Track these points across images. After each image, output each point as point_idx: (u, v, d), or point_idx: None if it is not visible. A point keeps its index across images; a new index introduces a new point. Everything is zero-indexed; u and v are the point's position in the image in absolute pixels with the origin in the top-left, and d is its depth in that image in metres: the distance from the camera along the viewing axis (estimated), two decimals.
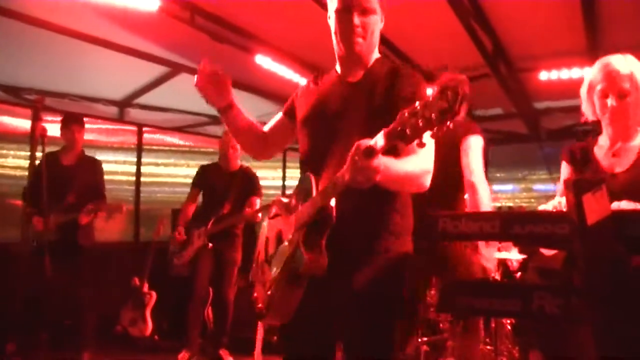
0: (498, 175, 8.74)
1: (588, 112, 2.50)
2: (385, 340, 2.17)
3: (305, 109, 2.33)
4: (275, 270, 2.23)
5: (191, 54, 5.76)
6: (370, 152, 1.67)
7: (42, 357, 4.02)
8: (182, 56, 5.80)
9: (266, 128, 2.53)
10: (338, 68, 2.34)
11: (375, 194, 1.96)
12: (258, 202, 5.33)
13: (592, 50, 5.21)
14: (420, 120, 1.49)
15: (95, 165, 5.13)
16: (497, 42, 5.30)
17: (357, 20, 2.14)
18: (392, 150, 1.80)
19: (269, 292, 2.24)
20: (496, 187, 8.01)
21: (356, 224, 2.10)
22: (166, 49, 5.58)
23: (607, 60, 2.39)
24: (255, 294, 2.37)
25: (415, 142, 1.54)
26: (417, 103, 1.51)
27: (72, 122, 4.97)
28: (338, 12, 2.18)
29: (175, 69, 6.00)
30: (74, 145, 4.97)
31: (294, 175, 9.83)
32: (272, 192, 9.16)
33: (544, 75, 5.79)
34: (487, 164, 3.79)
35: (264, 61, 5.42)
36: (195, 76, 2.31)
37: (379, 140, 1.66)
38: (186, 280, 5.35)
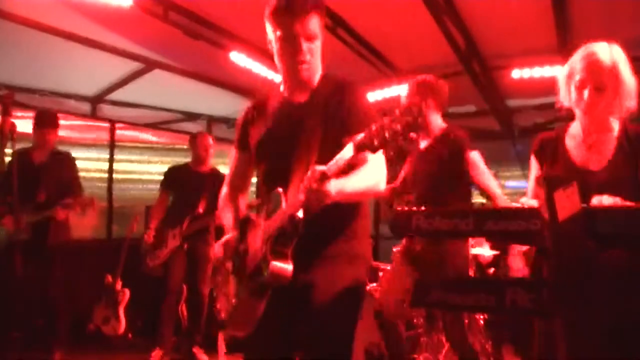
0: None
1: (564, 99, 2.43)
2: (344, 344, 2.23)
3: (258, 134, 2.39)
4: (240, 282, 2.31)
5: (165, 50, 5.71)
6: (323, 176, 1.86)
7: (14, 356, 3.97)
8: (156, 52, 5.74)
9: (231, 177, 2.61)
10: (282, 88, 2.40)
11: (339, 204, 2.07)
12: None
13: (564, 49, 5.27)
14: (387, 132, 1.68)
15: (68, 161, 5.11)
16: (470, 40, 5.34)
17: (304, 46, 2.20)
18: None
19: (232, 302, 2.33)
20: None
21: (319, 231, 2.17)
22: (140, 45, 5.52)
23: (591, 48, 2.32)
24: (218, 305, 2.46)
25: (380, 149, 1.74)
26: (385, 118, 1.70)
27: (45, 124, 4.93)
28: (282, 39, 2.22)
29: (149, 65, 5.94)
30: (45, 145, 4.93)
31: None
32: None
33: (516, 74, 5.84)
34: None
35: (238, 58, 5.39)
36: None
37: (339, 159, 1.86)
38: (160, 278, 5.32)
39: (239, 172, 2.59)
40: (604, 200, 1.98)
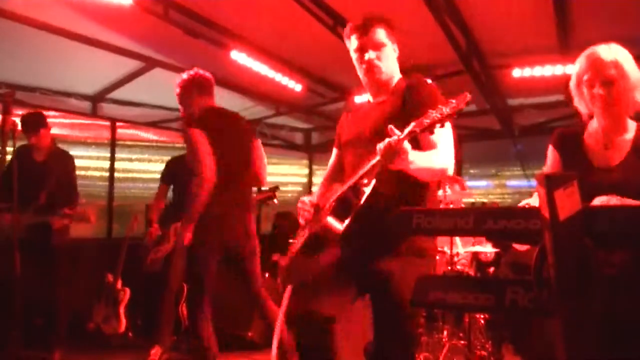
0: (472, 171, 8.81)
1: (581, 107, 2.47)
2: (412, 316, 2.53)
3: (347, 133, 2.77)
4: (303, 230, 2.65)
5: (165, 49, 5.72)
6: (396, 135, 2.18)
7: (14, 355, 3.97)
8: (156, 51, 5.75)
9: (330, 170, 2.97)
10: (369, 96, 2.78)
11: (410, 186, 2.44)
12: None
13: (564, 48, 5.28)
14: (429, 120, 2.15)
15: (67, 160, 5.06)
16: (471, 40, 5.35)
17: (372, 54, 2.62)
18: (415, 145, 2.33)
19: (293, 255, 2.65)
20: (470, 183, 8.08)
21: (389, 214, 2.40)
22: (140, 44, 5.53)
23: (591, 50, 2.38)
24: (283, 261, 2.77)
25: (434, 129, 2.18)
26: (440, 106, 2.16)
27: (32, 128, 4.86)
28: (356, 51, 2.67)
29: (149, 64, 5.95)
30: (41, 146, 4.90)
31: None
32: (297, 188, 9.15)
33: (517, 73, 5.85)
34: None
35: (239, 57, 5.39)
36: None
37: (407, 129, 2.18)
38: (160, 276, 5.31)
39: (336, 167, 2.92)
40: (611, 201, 2.00)
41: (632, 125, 2.41)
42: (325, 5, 4.74)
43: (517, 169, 8.04)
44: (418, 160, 2.30)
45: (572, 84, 2.47)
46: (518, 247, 2.51)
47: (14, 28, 4.77)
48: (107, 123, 7.22)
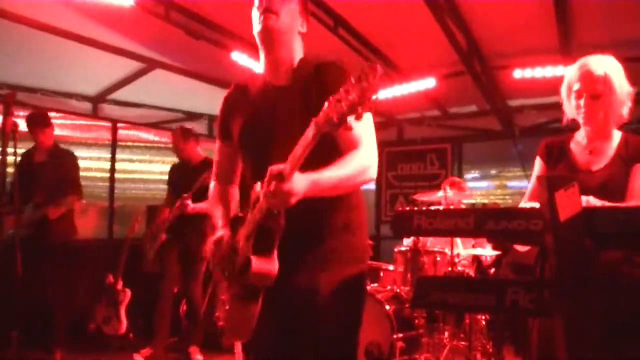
0: (472, 172, 8.79)
1: (568, 111, 2.57)
2: (349, 347, 2.16)
3: (241, 122, 2.25)
4: (232, 286, 2.17)
5: (166, 50, 5.71)
6: (280, 176, 1.72)
7: (14, 355, 3.97)
8: (157, 52, 5.75)
9: (217, 170, 2.44)
10: (263, 70, 2.26)
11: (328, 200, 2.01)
12: None
13: (565, 49, 5.27)
14: (344, 104, 1.52)
15: (67, 158, 5.13)
16: (472, 40, 5.34)
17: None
18: (330, 151, 1.92)
19: (227, 308, 2.20)
20: (470, 184, 8.05)
21: (308, 224, 2.06)
22: (141, 45, 5.53)
23: (585, 60, 2.46)
24: (217, 313, 2.30)
25: (342, 127, 1.56)
26: (341, 89, 1.54)
27: (34, 125, 4.97)
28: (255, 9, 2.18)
29: (150, 65, 5.95)
30: (41, 145, 4.96)
31: None
32: None
33: (517, 73, 5.84)
34: None
35: (239, 57, 5.39)
36: None
37: (298, 148, 1.70)
38: (159, 276, 5.33)
39: (225, 163, 2.41)
40: (591, 200, 2.07)
41: (617, 133, 2.51)
42: (325, 5, 4.73)
43: (518, 170, 8.02)
44: (322, 179, 1.86)
45: (563, 89, 2.58)
46: (519, 248, 2.52)
47: (15, 29, 4.77)
48: (108, 124, 7.24)
